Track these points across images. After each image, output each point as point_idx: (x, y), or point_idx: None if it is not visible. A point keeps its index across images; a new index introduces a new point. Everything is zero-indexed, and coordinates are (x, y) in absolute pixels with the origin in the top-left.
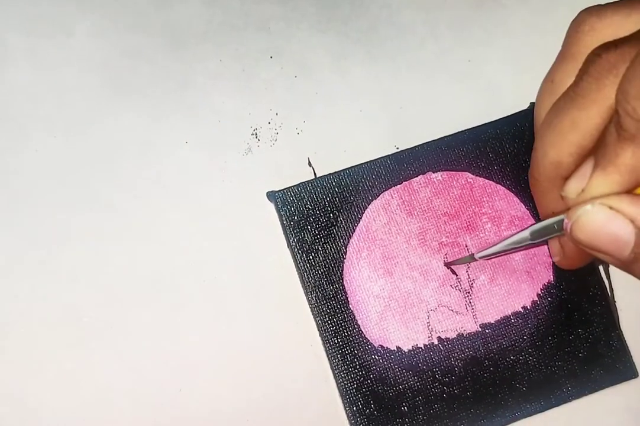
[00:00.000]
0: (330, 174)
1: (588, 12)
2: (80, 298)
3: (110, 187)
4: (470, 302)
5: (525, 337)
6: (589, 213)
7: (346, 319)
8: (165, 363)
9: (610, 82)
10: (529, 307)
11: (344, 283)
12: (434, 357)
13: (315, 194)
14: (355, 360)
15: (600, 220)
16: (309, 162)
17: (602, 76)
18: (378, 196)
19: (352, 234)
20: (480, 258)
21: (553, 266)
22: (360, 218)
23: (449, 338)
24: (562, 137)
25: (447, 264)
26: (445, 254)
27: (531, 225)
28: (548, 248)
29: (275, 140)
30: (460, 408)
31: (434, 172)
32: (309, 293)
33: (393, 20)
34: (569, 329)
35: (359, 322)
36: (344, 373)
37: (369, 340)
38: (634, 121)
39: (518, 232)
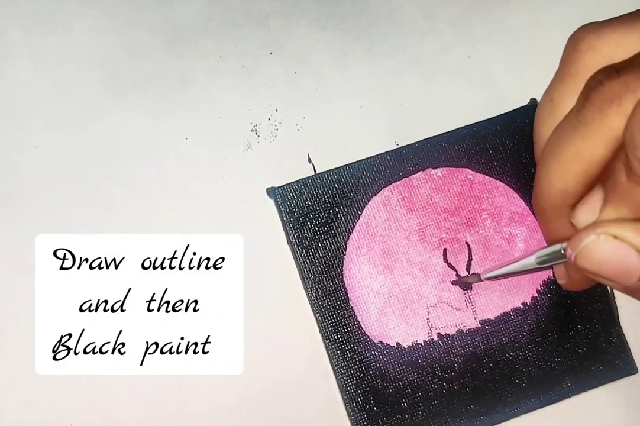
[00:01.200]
0: (330, 170)
1: (586, 30)
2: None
3: (110, 184)
4: (469, 298)
5: (524, 333)
6: (594, 242)
7: (346, 315)
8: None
9: (614, 112)
10: (528, 303)
11: (344, 279)
12: (433, 353)
13: (315, 190)
14: (355, 356)
15: (606, 250)
16: (309, 158)
17: (605, 105)
18: (378, 193)
19: (352, 230)
20: (487, 279)
21: None
22: (360, 214)
23: (448, 334)
24: (567, 166)
25: (454, 283)
26: (445, 250)
27: (538, 250)
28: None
29: (275, 136)
30: (460, 404)
31: (433, 169)
32: (309, 289)
33: (393, 17)
34: (568, 326)
35: (359, 318)
36: (343, 369)
37: (368, 336)
38: None
39: (524, 256)
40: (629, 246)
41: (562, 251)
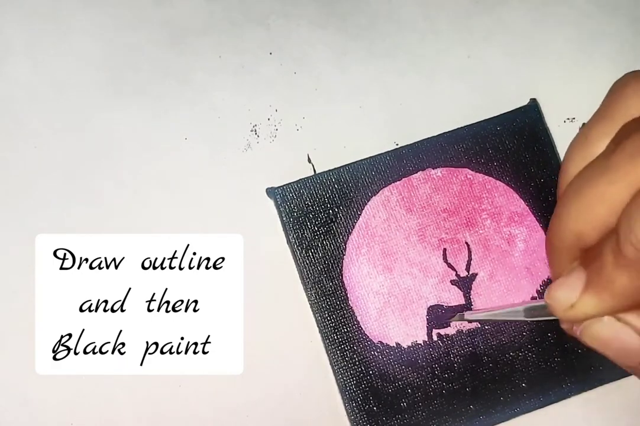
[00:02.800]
0: (329, 170)
1: (634, 76)
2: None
3: (110, 183)
4: (469, 298)
5: (524, 333)
6: (598, 323)
7: (346, 315)
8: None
9: None
10: None
11: (344, 279)
12: (433, 353)
13: (314, 190)
14: (355, 356)
15: (610, 332)
16: (309, 158)
17: (637, 154)
18: (377, 193)
19: (352, 230)
20: (469, 320)
21: None
22: (360, 214)
23: (448, 335)
24: (588, 209)
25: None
26: (445, 250)
27: (528, 302)
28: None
29: (275, 136)
30: (459, 404)
31: (433, 169)
32: (309, 289)
33: (393, 17)
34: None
35: (359, 318)
36: (343, 369)
37: (368, 336)
38: (635, 250)
39: (514, 304)
40: (632, 330)
41: None
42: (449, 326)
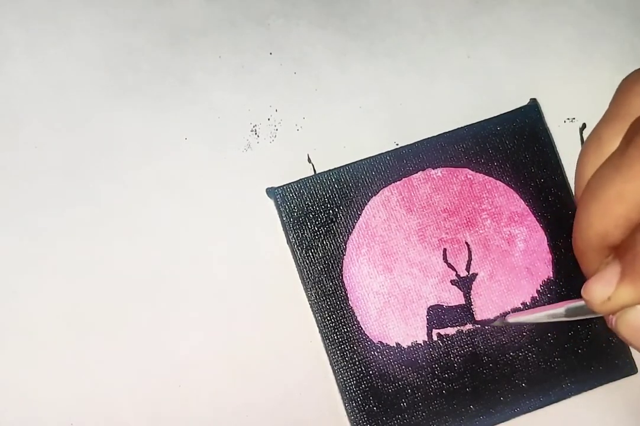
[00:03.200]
0: (329, 170)
1: None
2: (79, 294)
3: (109, 183)
4: (469, 299)
5: (524, 333)
6: (632, 310)
7: (346, 315)
8: (165, 359)
9: None
10: (528, 303)
11: (344, 279)
12: (433, 353)
13: (314, 190)
14: (355, 356)
15: None
16: (309, 158)
17: None
18: (378, 193)
19: (352, 230)
20: (513, 323)
21: (552, 262)
22: (360, 215)
23: (448, 335)
24: (608, 209)
25: (479, 323)
26: (445, 250)
27: (567, 303)
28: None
29: (275, 136)
30: (459, 404)
31: (433, 169)
32: (309, 290)
33: (393, 16)
34: (568, 326)
35: (359, 318)
36: (343, 369)
37: (368, 336)
38: None
39: (554, 306)
40: None
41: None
42: (450, 326)
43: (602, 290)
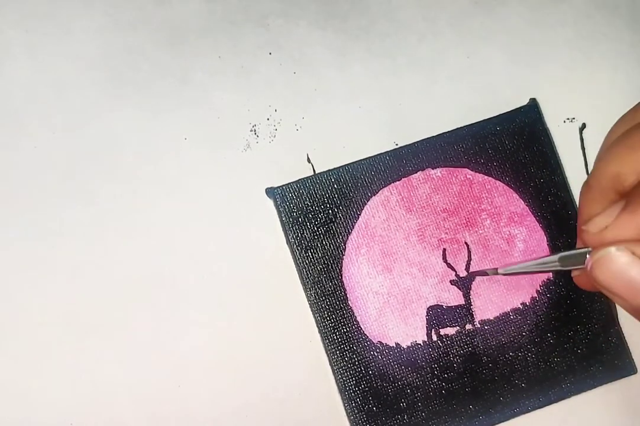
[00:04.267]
0: (329, 170)
1: None
2: (79, 294)
3: (109, 183)
4: (469, 299)
5: (524, 333)
6: (611, 255)
7: (345, 315)
8: (165, 359)
9: None
10: (528, 303)
11: (343, 279)
12: (433, 353)
13: (314, 190)
14: (354, 356)
15: (621, 264)
16: (308, 158)
17: None
18: (377, 193)
19: (351, 230)
20: (504, 274)
21: None
22: (360, 215)
23: (448, 335)
24: (630, 151)
25: (472, 274)
26: (445, 250)
27: (563, 251)
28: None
29: (274, 136)
30: (459, 404)
31: (433, 169)
32: (308, 290)
33: (392, 17)
34: (568, 326)
35: (358, 318)
36: (343, 369)
37: (367, 336)
38: None
39: (547, 256)
40: None
41: (588, 256)
42: (449, 326)
43: (602, 220)
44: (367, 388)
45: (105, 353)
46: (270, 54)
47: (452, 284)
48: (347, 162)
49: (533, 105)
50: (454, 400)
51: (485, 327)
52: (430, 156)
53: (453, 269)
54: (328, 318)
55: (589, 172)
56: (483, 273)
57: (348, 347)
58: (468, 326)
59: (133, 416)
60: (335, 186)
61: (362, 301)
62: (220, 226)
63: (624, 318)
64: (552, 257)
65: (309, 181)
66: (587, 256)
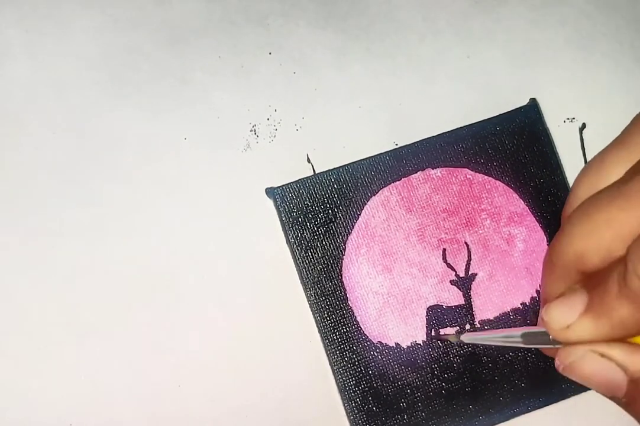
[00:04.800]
0: (329, 170)
1: None
2: (78, 294)
3: (109, 184)
4: (469, 299)
5: None
6: (581, 359)
7: (345, 315)
8: (165, 359)
9: None
10: (527, 303)
11: (343, 279)
12: (432, 353)
13: (314, 190)
14: (354, 356)
15: (592, 367)
16: (308, 158)
17: None
18: (377, 193)
19: (351, 230)
20: (466, 342)
21: None
22: (359, 215)
23: (447, 335)
24: (595, 230)
25: (434, 337)
26: (444, 250)
27: (526, 328)
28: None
29: (274, 136)
30: (459, 404)
31: (433, 169)
32: (308, 290)
33: (392, 17)
34: None
35: (358, 318)
36: (342, 369)
37: (367, 336)
38: None
39: (512, 329)
40: (615, 364)
41: (550, 337)
42: (449, 326)
43: (564, 316)
44: (367, 388)
45: (105, 353)
46: (270, 54)
47: (452, 284)
48: (347, 162)
49: (533, 105)
50: (454, 400)
51: (485, 327)
52: (430, 156)
53: (453, 269)
54: (328, 318)
55: (550, 244)
56: (445, 339)
57: (348, 347)
58: (468, 326)
59: (133, 416)
60: (335, 186)
61: (362, 301)
62: (220, 226)
63: None
64: (516, 332)
65: (309, 181)
66: (550, 338)
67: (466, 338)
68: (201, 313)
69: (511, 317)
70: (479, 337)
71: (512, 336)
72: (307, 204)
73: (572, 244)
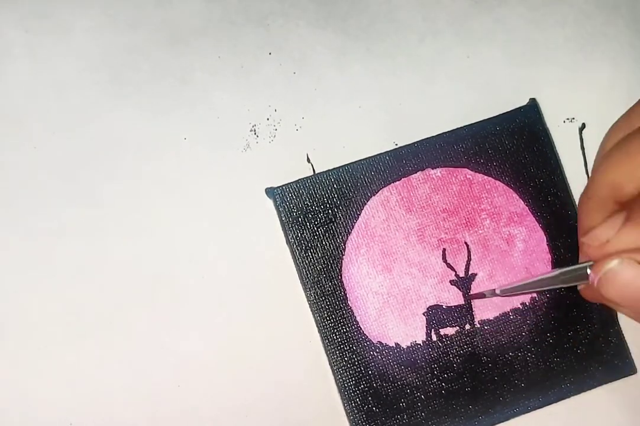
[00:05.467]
0: (329, 170)
1: None
2: (79, 294)
3: (109, 184)
4: (469, 299)
5: (524, 333)
6: (617, 268)
7: (345, 315)
8: (164, 359)
9: None
10: (527, 303)
11: (343, 279)
12: (432, 353)
13: (314, 190)
14: (354, 356)
15: (629, 276)
16: (308, 158)
17: None
18: (377, 193)
19: (351, 230)
20: (502, 295)
21: (552, 262)
22: (359, 215)
23: (447, 335)
24: (628, 158)
25: (472, 297)
26: (444, 250)
27: (562, 268)
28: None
29: (274, 136)
30: (459, 404)
31: (432, 169)
32: (308, 290)
33: (392, 17)
34: (567, 326)
35: (358, 318)
36: (342, 369)
37: (367, 336)
38: None
39: (547, 273)
40: None
41: (588, 271)
42: (449, 326)
43: (603, 232)
44: (366, 388)
45: (105, 353)
46: (270, 54)
47: (452, 284)
48: (347, 162)
49: (533, 105)
50: (454, 400)
51: (485, 327)
52: (430, 156)
53: (453, 269)
54: (328, 318)
55: (589, 175)
56: (481, 295)
57: (348, 347)
58: (467, 326)
59: (133, 416)
60: (335, 186)
61: (362, 301)
62: (220, 226)
63: (624, 318)
64: (552, 273)
65: (309, 181)
66: (588, 270)
67: (501, 290)
68: (201, 313)
69: (511, 317)
70: (514, 286)
71: (548, 278)
72: (307, 204)
73: (607, 175)
